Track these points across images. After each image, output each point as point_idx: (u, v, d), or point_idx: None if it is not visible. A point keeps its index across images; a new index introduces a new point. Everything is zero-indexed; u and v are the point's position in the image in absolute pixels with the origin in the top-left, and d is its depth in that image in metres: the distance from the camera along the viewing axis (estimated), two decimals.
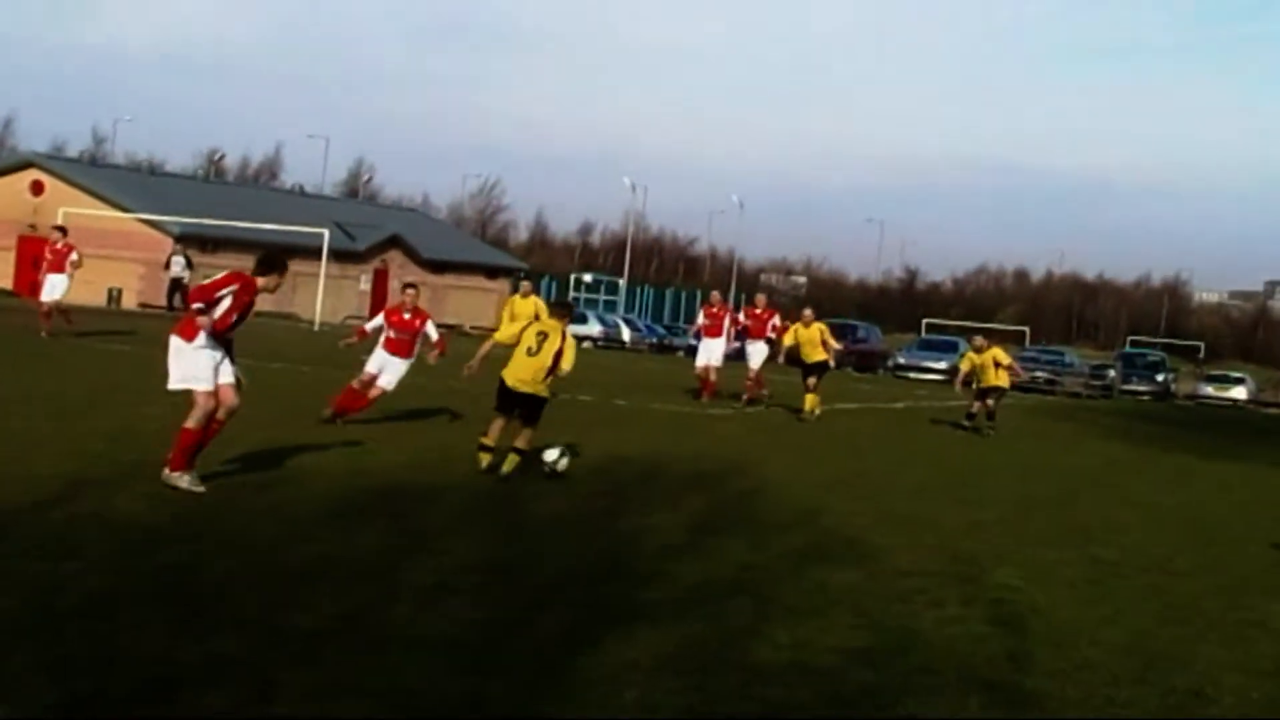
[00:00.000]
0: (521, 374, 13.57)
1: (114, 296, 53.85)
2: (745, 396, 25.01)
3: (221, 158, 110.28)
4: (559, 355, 13.58)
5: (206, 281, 11.44)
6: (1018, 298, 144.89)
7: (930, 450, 20.77)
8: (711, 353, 25.54)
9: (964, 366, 26.46)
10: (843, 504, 13.63)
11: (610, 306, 75.97)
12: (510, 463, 13.28)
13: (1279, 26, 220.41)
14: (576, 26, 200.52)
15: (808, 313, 25.10)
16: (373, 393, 16.86)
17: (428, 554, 9.49)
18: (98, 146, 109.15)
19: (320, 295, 53.00)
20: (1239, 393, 59.42)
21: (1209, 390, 60.19)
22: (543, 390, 13.67)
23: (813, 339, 24.19)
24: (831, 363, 25.10)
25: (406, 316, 17.08)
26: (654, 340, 62.55)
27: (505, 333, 14.19)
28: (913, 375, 50.92)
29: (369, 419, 17.13)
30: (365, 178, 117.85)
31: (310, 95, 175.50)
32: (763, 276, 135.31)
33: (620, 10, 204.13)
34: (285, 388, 21.69)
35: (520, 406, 13.63)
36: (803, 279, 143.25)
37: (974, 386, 25.52)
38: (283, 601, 7.85)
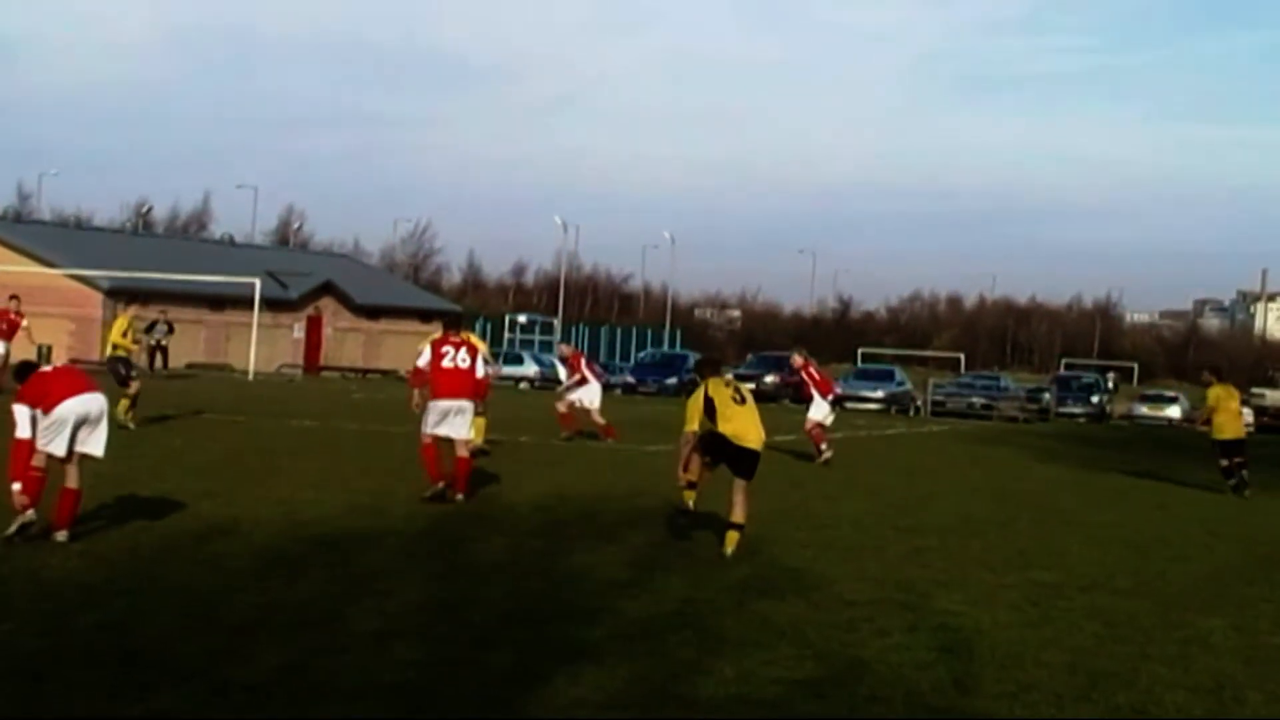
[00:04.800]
0: (750, 427, 12.64)
1: (44, 354, 53.24)
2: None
3: (149, 210, 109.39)
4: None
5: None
6: (952, 324, 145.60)
7: (870, 479, 20.82)
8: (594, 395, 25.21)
9: (1211, 402, 22.73)
10: (784, 535, 13.62)
11: (545, 347, 75.87)
12: (733, 541, 12.35)
13: (1190, 51, 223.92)
14: (503, 67, 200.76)
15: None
16: None
17: (370, 599, 9.42)
18: (22, 202, 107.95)
19: (254, 345, 52.62)
20: (1173, 412, 59.88)
21: (1144, 410, 60.71)
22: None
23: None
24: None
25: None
26: None
27: (693, 420, 12.58)
28: (849, 405, 51.13)
29: (305, 467, 17.00)
30: (295, 225, 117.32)
31: (237, 144, 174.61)
32: (697, 311, 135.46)
33: (546, 49, 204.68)
34: (220, 438, 21.53)
35: (742, 463, 12.70)
36: (737, 313, 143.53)
37: (1212, 434, 22.49)
38: (224, 654, 7.76)
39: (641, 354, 72.67)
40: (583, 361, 25.82)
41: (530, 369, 60.00)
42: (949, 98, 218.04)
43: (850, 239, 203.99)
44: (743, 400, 12.73)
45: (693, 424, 12.60)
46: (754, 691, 7.54)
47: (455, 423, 15.12)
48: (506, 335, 77.39)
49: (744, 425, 12.59)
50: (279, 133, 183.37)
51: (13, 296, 28.22)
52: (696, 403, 12.63)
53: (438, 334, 15.90)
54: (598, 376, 25.68)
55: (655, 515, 14.21)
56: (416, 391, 15.63)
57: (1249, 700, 8.05)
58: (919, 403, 53.81)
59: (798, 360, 25.39)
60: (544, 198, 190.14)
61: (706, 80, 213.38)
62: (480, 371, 15.56)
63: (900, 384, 55.47)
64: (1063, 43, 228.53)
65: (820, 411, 24.18)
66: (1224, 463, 22.18)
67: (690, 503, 12.86)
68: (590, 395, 25.03)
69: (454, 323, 16.20)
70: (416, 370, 15.82)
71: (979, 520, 16.04)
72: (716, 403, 12.56)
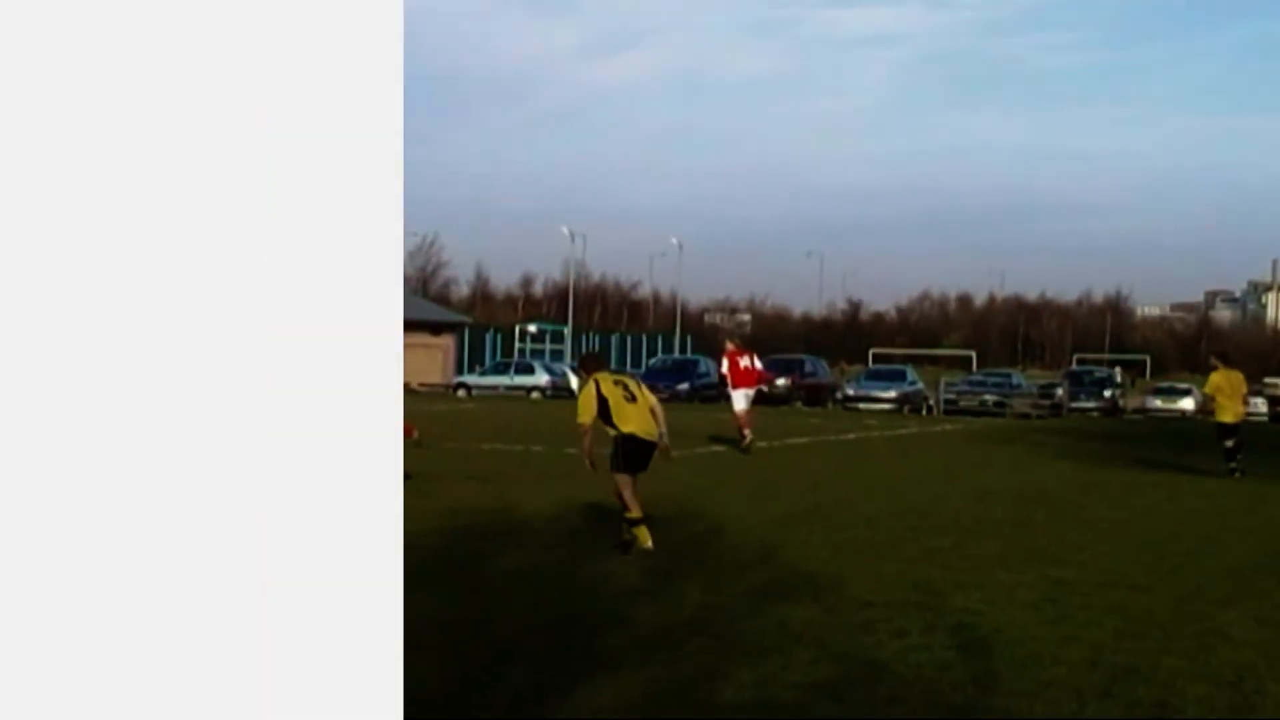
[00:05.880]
0: (645, 422, 12.68)
1: None
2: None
3: None
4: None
5: None
6: (962, 323, 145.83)
7: (884, 480, 20.80)
8: None
9: (1209, 388, 23.69)
10: (799, 539, 13.61)
11: (556, 356, 75.97)
12: (647, 535, 12.54)
13: (1194, 43, 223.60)
14: (508, 82, 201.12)
15: None
16: None
17: None
18: None
19: None
20: (1187, 404, 59.79)
21: (1157, 403, 60.60)
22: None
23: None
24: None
25: None
26: None
27: (585, 412, 12.73)
28: (862, 406, 51.12)
29: None
30: None
31: None
32: (706, 316, 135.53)
33: (549, 58, 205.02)
34: None
35: (646, 457, 12.81)
36: (747, 317, 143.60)
37: (1216, 417, 23.43)
38: None
39: (652, 360, 72.71)
40: None
41: (542, 378, 60.08)
42: (951, 97, 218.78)
43: (857, 241, 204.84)
44: (634, 399, 12.79)
45: (584, 417, 12.73)
46: (773, 696, 7.52)
47: None
48: (517, 345, 77.51)
49: (644, 422, 12.73)
50: None
51: None
52: (589, 397, 12.74)
53: None
54: None
55: (667, 522, 14.19)
56: None
57: (1270, 692, 8.00)
58: (931, 402, 53.76)
59: (728, 347, 26.00)
60: (550, 209, 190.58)
61: (709, 90, 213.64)
62: None
63: (912, 383, 55.45)
64: (1064, 39, 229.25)
65: (738, 404, 25.57)
66: (1228, 444, 22.44)
67: (649, 541, 12.53)
68: None
69: None
70: None
71: (994, 519, 16.00)
72: (610, 402, 12.66)
